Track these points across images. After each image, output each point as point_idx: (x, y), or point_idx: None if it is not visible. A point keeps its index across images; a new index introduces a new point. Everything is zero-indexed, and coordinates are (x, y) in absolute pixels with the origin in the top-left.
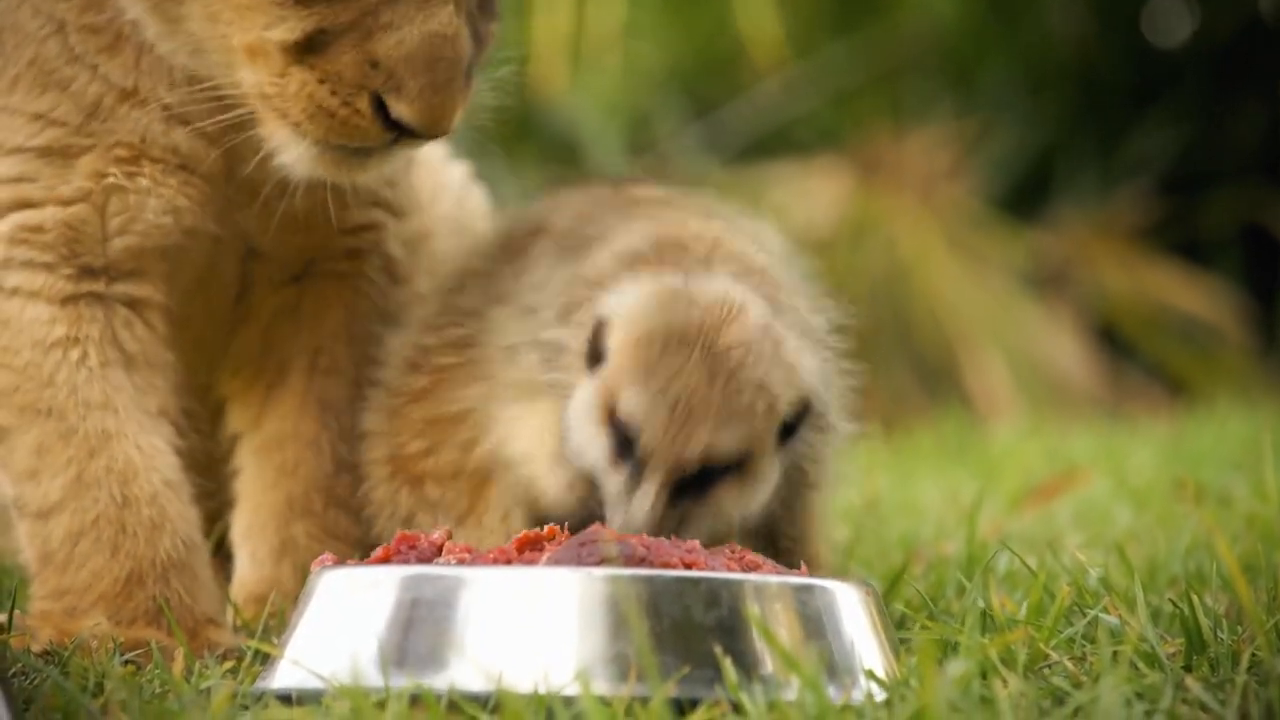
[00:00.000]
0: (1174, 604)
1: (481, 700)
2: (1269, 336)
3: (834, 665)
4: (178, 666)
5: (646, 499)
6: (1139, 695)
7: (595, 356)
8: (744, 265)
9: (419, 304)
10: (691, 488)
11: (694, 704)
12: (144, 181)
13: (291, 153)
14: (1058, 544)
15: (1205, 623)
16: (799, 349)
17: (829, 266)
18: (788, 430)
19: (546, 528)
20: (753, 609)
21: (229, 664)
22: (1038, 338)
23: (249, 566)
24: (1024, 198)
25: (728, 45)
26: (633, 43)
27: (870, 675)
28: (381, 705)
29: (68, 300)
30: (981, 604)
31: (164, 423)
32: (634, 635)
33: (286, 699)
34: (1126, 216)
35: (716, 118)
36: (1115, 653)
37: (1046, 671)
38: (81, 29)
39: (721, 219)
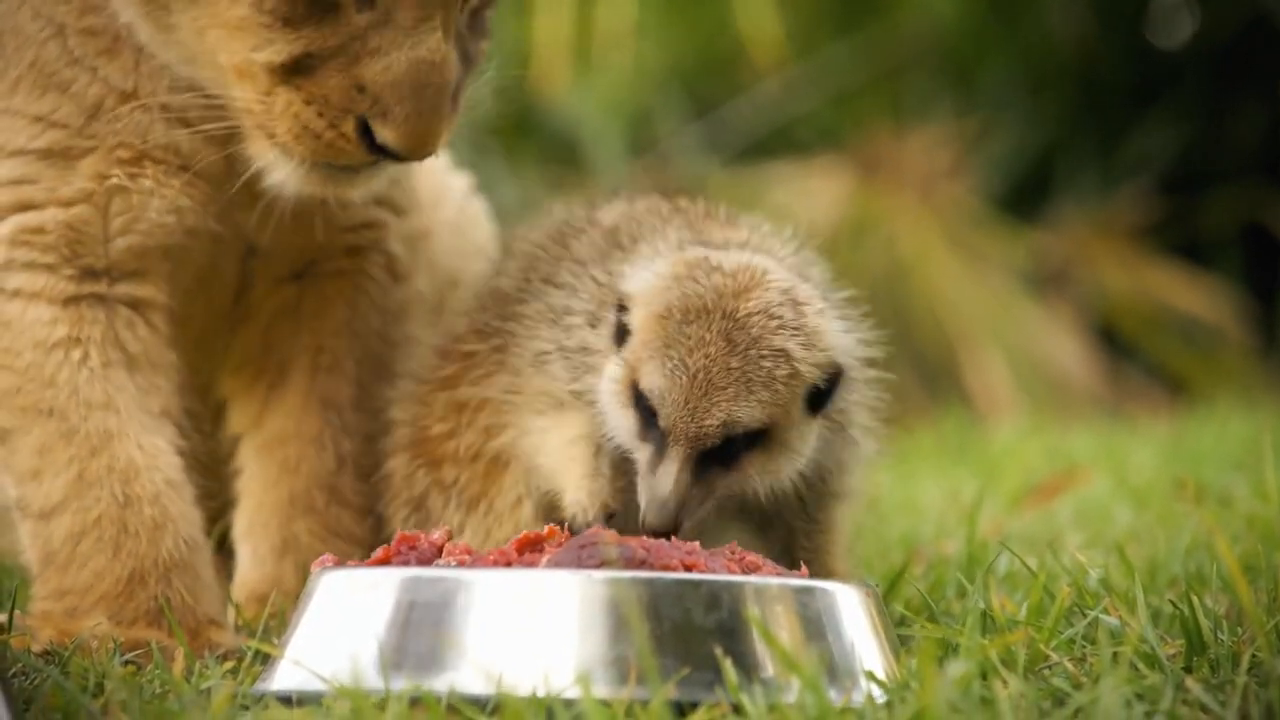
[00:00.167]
0: (1174, 605)
1: (481, 702)
2: (1269, 336)
3: (834, 667)
4: (178, 667)
5: (670, 474)
6: (1139, 696)
7: (621, 333)
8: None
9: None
10: (716, 458)
11: (694, 706)
12: (147, 182)
13: (279, 172)
14: (1058, 544)
15: (1205, 624)
16: (823, 312)
17: (830, 265)
18: (819, 397)
19: (547, 528)
20: (753, 611)
21: (229, 664)
22: (1038, 337)
23: (251, 564)
24: (1024, 197)
25: (728, 45)
26: (635, 42)
27: (871, 677)
28: (381, 707)
29: (69, 301)
30: (982, 605)
31: (166, 423)
32: (634, 637)
33: (287, 700)
34: (1127, 216)
35: (717, 117)
36: (1115, 654)
37: (1047, 672)
38: (81, 32)
39: (764, 236)
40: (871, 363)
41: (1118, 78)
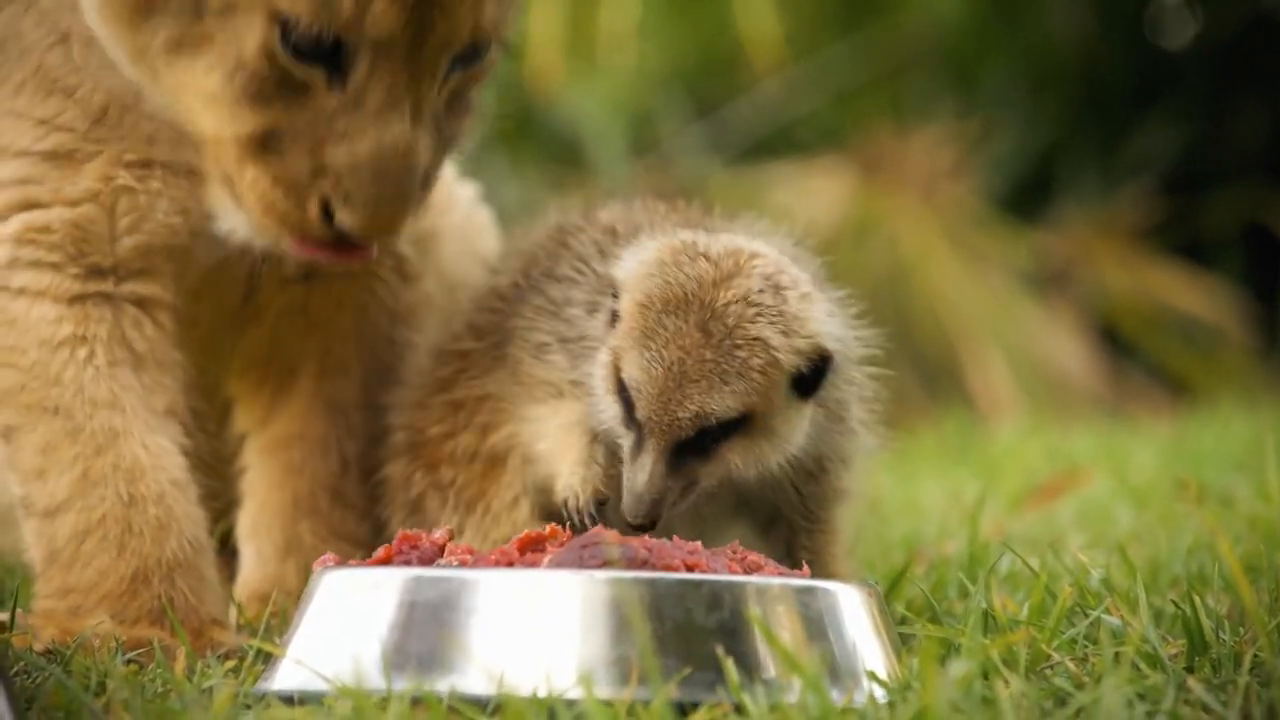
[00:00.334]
0: (1176, 605)
1: (483, 703)
2: (1271, 337)
3: (836, 667)
4: (180, 666)
5: (645, 467)
6: (1141, 696)
7: (613, 320)
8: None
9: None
10: (693, 449)
11: (696, 706)
12: (154, 183)
13: (234, 223)
14: (1059, 544)
15: (1207, 624)
16: (808, 297)
17: (831, 265)
18: (806, 382)
19: (549, 527)
20: (755, 611)
21: (231, 663)
22: (1039, 337)
23: (254, 564)
24: (1026, 197)
25: (729, 45)
26: (637, 43)
27: (872, 677)
28: (383, 707)
29: (75, 299)
30: (983, 605)
31: (171, 422)
32: (636, 638)
33: (289, 699)
34: (1128, 216)
35: (718, 117)
36: (1117, 654)
37: (1048, 672)
38: (85, 41)
39: (759, 233)
40: (867, 352)
41: (1119, 78)
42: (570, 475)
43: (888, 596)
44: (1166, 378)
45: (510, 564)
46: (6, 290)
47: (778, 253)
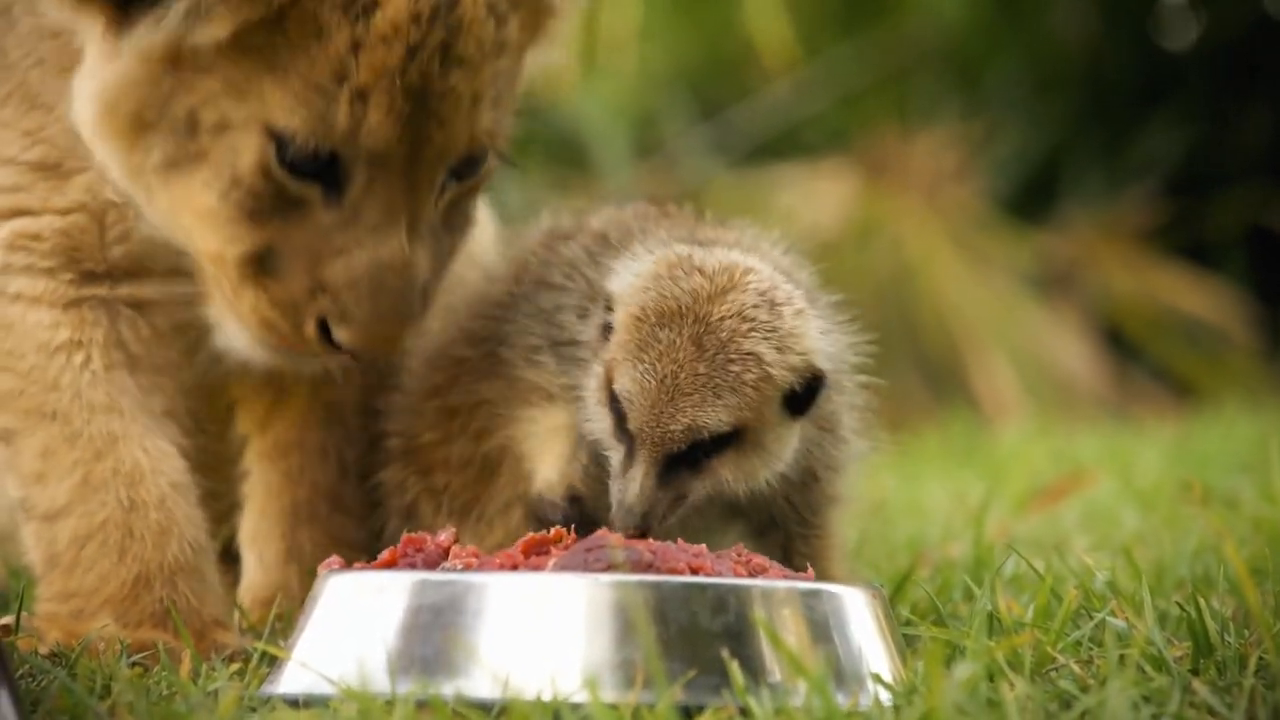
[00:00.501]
0: (1181, 607)
1: (489, 706)
2: (1275, 338)
3: (841, 670)
4: (185, 668)
5: (635, 479)
6: (1146, 699)
7: (607, 332)
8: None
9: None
10: (684, 462)
11: (701, 709)
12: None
13: (240, 343)
14: (1064, 546)
15: (1212, 626)
16: (802, 314)
17: (835, 268)
18: (798, 400)
19: (553, 530)
20: (760, 614)
21: (236, 666)
22: (1044, 339)
23: (257, 570)
24: (1030, 199)
25: (735, 47)
26: (641, 44)
27: (877, 679)
28: (389, 710)
29: (70, 304)
30: (988, 607)
31: (170, 423)
32: (641, 641)
33: (294, 702)
34: (1133, 218)
35: (724, 119)
36: (1122, 656)
37: (1053, 674)
38: (61, 70)
39: (753, 238)
40: (860, 366)
41: (1123, 80)
42: (550, 469)
43: (892, 599)
44: (1171, 379)
45: (515, 567)
46: (2, 296)
47: (770, 264)
